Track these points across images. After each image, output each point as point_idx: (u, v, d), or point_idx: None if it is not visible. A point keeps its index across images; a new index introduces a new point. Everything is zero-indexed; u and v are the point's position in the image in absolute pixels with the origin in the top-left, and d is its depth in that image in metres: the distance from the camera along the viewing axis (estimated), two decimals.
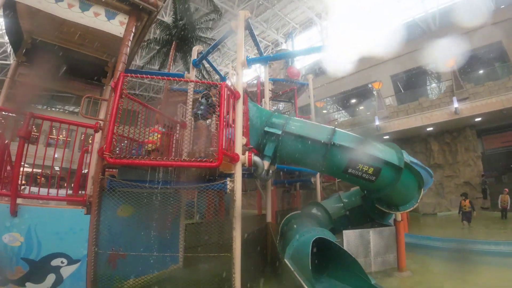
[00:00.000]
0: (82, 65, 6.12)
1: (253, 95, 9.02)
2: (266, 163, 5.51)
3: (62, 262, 3.70)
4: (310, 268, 4.40)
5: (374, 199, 6.02)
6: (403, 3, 17.59)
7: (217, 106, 4.51)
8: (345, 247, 5.54)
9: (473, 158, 13.54)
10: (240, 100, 5.01)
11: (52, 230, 3.72)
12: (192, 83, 7.03)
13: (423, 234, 8.59)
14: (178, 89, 8.76)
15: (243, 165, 4.83)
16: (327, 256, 5.43)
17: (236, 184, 4.61)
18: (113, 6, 4.78)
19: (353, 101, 20.32)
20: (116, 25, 4.82)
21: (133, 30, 5.04)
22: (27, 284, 3.48)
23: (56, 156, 4.88)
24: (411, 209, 5.88)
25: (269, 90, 10.27)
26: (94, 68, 6.30)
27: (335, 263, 5.36)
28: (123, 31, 4.85)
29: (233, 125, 4.90)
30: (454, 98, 12.14)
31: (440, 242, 7.18)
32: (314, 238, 4.98)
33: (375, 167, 5.13)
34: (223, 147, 4.18)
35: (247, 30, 5.82)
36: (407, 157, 9.09)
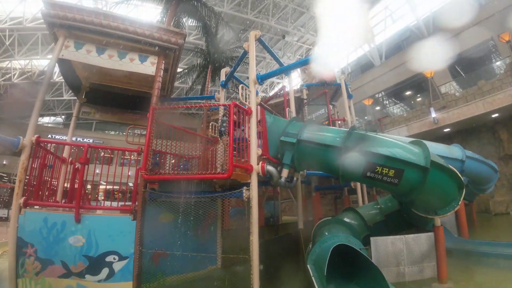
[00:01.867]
0: (132, 99, 7.51)
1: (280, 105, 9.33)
2: (285, 171, 5.76)
3: (114, 258, 4.64)
4: (325, 274, 4.45)
5: (406, 203, 5.61)
6: None
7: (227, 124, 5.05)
8: (373, 255, 5.33)
9: None
10: (253, 115, 5.45)
11: (106, 232, 4.72)
12: (222, 102, 7.84)
13: (491, 238, 7.32)
14: (216, 109, 9.73)
15: (257, 174, 5.20)
16: (357, 264, 5.31)
17: (252, 192, 5.00)
18: (144, 51, 5.85)
19: (406, 94, 18.41)
20: (148, 66, 5.86)
21: (162, 68, 6.03)
22: (87, 276, 4.48)
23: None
24: (451, 212, 5.27)
25: (300, 97, 10.45)
26: (143, 101, 7.64)
27: (363, 271, 5.20)
28: (154, 70, 5.87)
29: (248, 138, 5.36)
30: None
31: (499, 247, 6.10)
32: (336, 245, 4.99)
33: (396, 169, 4.86)
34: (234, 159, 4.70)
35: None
36: (461, 152, 8.10)
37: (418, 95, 17.23)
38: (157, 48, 5.89)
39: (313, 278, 4.74)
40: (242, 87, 5.36)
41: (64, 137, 6.60)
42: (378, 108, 19.48)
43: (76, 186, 5.13)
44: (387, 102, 19.90)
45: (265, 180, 6.03)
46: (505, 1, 11.88)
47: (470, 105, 11.46)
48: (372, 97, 18.66)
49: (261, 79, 5.69)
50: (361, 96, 18.63)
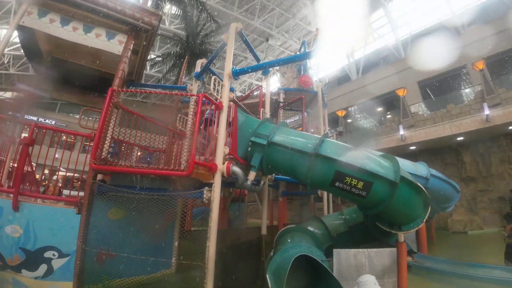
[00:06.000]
0: (96, 81, 6.83)
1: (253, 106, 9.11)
2: (252, 174, 5.48)
3: (53, 255, 4.10)
4: (284, 285, 4.22)
5: (372, 216, 5.61)
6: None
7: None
8: (335, 267, 5.22)
9: (508, 170, 12.14)
10: (224, 111, 5.13)
11: (47, 225, 4.16)
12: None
13: (447, 256, 7.66)
14: (187, 101, 9.25)
15: (222, 175, 4.87)
16: (318, 274, 5.16)
17: (214, 193, 4.64)
18: (113, 27, 5.31)
19: (378, 110, 19.27)
20: (116, 44, 5.32)
21: (131, 48, 5.51)
22: (23, 271, 3.94)
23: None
24: (415, 229, 5.34)
25: (276, 100, 10.33)
26: (107, 84, 7.00)
27: (324, 282, 5.07)
28: (121, 49, 5.35)
29: (216, 135, 5.03)
30: (485, 104, 10.88)
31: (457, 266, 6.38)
32: (297, 255, 4.80)
33: (365, 181, 4.78)
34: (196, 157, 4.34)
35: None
36: (426, 170, 8.37)
37: (388, 112, 18.08)
38: (127, 26, 5.38)
39: None
40: (215, 79, 5.02)
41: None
42: (349, 120, 20.14)
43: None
44: (359, 116, 20.66)
45: (230, 181, 5.72)
46: (482, 32, 12.83)
47: (438, 126, 12.16)
48: (345, 109, 19.20)
49: (236, 74, 5.40)
50: (335, 107, 19.16)
